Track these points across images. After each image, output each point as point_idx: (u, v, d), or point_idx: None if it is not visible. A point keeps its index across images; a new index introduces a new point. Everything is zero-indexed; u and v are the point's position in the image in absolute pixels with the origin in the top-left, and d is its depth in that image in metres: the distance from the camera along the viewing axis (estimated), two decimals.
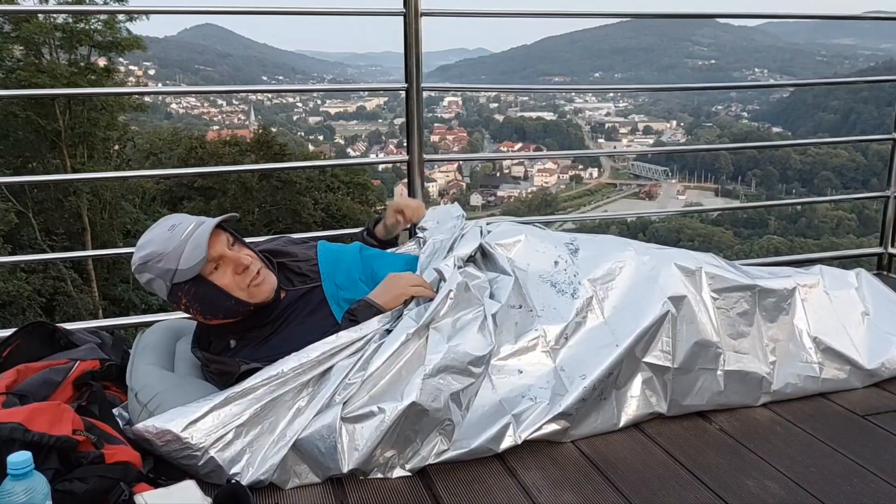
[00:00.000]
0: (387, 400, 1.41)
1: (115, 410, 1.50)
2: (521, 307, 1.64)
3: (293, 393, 1.43)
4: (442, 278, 1.59)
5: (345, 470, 1.39)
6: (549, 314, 1.63)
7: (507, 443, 1.50)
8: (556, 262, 1.71)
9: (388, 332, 1.51)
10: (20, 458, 1.03)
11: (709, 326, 1.66)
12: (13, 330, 1.71)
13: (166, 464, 1.38)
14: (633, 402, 1.62)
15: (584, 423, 1.58)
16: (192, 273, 1.47)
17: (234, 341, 1.57)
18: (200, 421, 1.36)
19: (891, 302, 1.94)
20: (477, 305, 1.56)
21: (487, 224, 1.85)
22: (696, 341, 1.64)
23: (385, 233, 1.94)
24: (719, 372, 1.66)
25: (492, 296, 1.64)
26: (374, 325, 1.51)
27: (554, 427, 1.53)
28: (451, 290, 1.53)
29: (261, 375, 1.42)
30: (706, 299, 1.68)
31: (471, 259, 1.73)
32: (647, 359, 1.61)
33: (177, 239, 1.47)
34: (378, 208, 20.76)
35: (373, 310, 1.55)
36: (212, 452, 1.35)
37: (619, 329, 1.60)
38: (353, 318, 1.54)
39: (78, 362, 1.52)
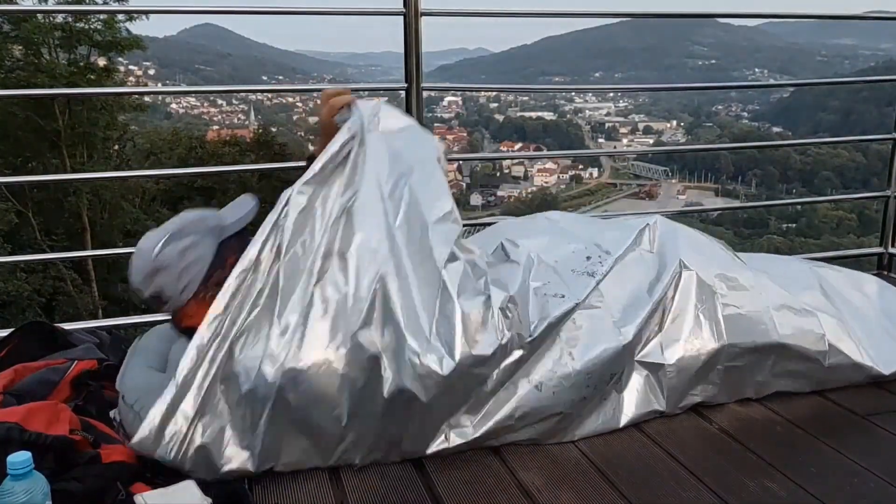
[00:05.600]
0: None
1: (111, 413, 1.49)
2: (547, 283, 1.60)
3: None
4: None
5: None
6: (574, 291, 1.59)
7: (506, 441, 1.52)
8: (588, 258, 1.66)
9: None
10: (20, 458, 1.02)
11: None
12: (11, 330, 1.70)
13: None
14: (632, 399, 1.61)
15: (586, 422, 1.57)
16: (242, 223, 1.46)
17: None
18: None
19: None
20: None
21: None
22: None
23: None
24: (719, 366, 1.65)
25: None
26: (343, 136, 1.48)
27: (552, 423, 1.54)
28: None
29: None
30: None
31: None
32: (640, 357, 1.60)
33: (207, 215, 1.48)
34: None
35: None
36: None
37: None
38: None
39: (76, 362, 1.52)
